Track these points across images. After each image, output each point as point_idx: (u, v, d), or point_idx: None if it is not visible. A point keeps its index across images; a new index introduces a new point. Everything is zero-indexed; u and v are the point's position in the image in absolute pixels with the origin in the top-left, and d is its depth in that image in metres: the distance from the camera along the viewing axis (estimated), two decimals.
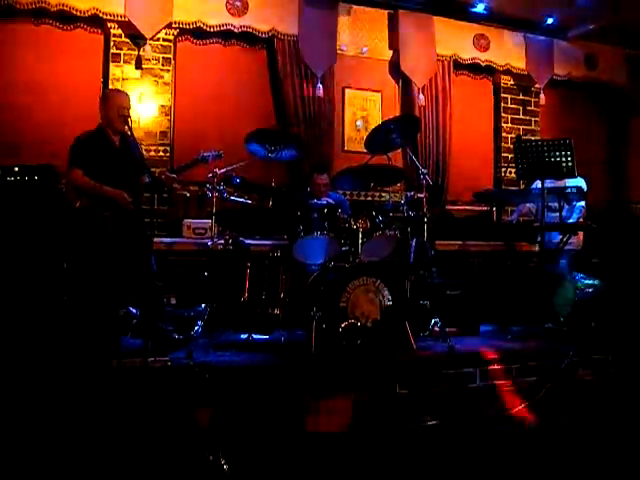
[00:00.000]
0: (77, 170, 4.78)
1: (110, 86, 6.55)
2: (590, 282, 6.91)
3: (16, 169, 4.81)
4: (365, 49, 7.67)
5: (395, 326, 5.20)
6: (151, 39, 6.61)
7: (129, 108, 5.02)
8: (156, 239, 5.53)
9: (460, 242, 7.71)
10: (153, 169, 5.94)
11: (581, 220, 6.38)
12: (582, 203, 6.33)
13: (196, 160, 5.30)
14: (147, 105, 6.69)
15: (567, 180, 6.02)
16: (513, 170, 6.53)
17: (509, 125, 8.43)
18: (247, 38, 7.15)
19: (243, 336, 5.43)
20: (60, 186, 5.10)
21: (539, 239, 6.02)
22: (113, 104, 4.93)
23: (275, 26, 7.05)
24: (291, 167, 7.08)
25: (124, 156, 4.93)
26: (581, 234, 6.43)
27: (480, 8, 7.82)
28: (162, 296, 5.34)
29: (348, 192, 7.24)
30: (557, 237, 6.12)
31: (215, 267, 5.74)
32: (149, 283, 4.91)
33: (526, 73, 8.30)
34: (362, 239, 5.40)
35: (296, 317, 5.42)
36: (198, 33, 6.95)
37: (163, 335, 4.81)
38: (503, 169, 8.17)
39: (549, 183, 5.90)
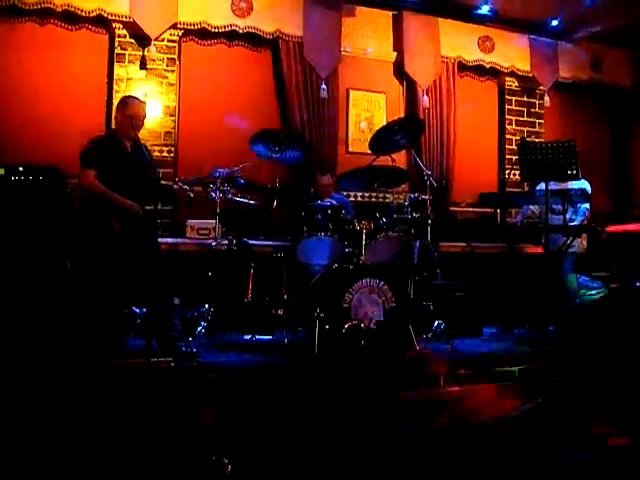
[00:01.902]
0: (90, 171, 4.74)
1: (115, 86, 6.56)
2: (594, 285, 6.91)
3: (21, 169, 4.82)
4: (369, 50, 7.67)
5: (398, 327, 5.20)
6: (156, 39, 6.61)
7: (144, 117, 5.06)
8: (160, 239, 5.53)
9: (464, 244, 7.71)
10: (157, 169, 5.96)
11: (585, 222, 6.36)
12: (586, 205, 6.32)
13: (210, 176, 5.30)
14: (152, 105, 6.66)
15: (570, 182, 6.02)
16: (517, 172, 6.53)
17: (513, 127, 8.43)
18: (252, 39, 7.15)
19: (246, 337, 5.44)
20: (65, 186, 5.11)
21: (543, 241, 6.01)
22: (129, 111, 4.90)
23: (280, 27, 7.06)
24: (295, 168, 7.08)
25: (135, 162, 4.89)
26: (585, 237, 6.40)
27: (485, 10, 7.81)
28: (171, 302, 5.35)
29: (352, 193, 7.24)
30: (561, 239, 6.11)
31: (218, 267, 5.74)
32: (157, 286, 4.92)
33: (531, 75, 8.28)
34: (366, 240, 5.41)
35: (299, 318, 5.43)
36: (203, 34, 6.95)
37: (170, 345, 4.80)
38: (507, 171, 8.16)
39: (552, 185, 5.90)
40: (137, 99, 5.17)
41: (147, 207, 4.86)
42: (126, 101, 5.11)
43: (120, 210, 4.76)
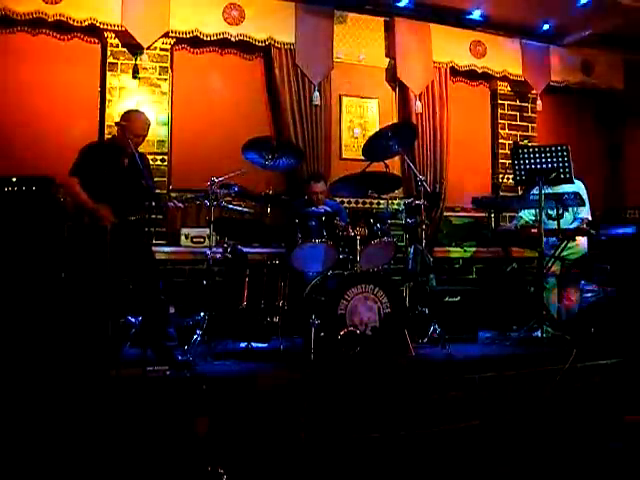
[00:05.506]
0: (74, 179, 4.81)
1: (107, 95, 6.56)
2: (590, 288, 6.92)
3: (14, 179, 4.81)
4: (362, 56, 7.68)
5: (394, 333, 5.20)
6: (148, 48, 6.61)
7: (146, 135, 5.06)
8: (154, 248, 5.53)
9: (458, 249, 7.73)
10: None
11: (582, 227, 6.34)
12: (584, 214, 6.29)
13: (206, 195, 5.29)
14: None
15: (563, 186, 6.03)
16: (511, 176, 6.54)
17: (506, 131, 8.44)
18: (244, 47, 7.15)
19: (242, 344, 5.43)
20: (58, 196, 5.10)
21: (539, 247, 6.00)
22: (130, 126, 4.89)
23: (272, 35, 7.07)
24: (289, 175, 7.08)
25: (129, 176, 4.87)
26: (583, 241, 6.39)
27: (476, 15, 7.84)
28: (167, 310, 5.35)
29: (346, 200, 7.24)
30: (555, 244, 6.12)
31: (213, 275, 5.74)
32: (153, 295, 4.91)
33: (523, 79, 8.30)
34: (360, 246, 5.41)
35: (295, 325, 5.42)
36: (195, 42, 6.95)
37: (166, 354, 4.79)
38: (500, 175, 8.19)
39: (546, 190, 5.92)
40: (141, 115, 5.11)
41: (132, 217, 4.84)
42: (131, 117, 5.05)
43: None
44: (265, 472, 3.56)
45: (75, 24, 6.36)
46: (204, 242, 6.39)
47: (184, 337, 5.33)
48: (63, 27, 6.45)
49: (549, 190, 6.00)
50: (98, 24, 6.43)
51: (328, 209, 6.12)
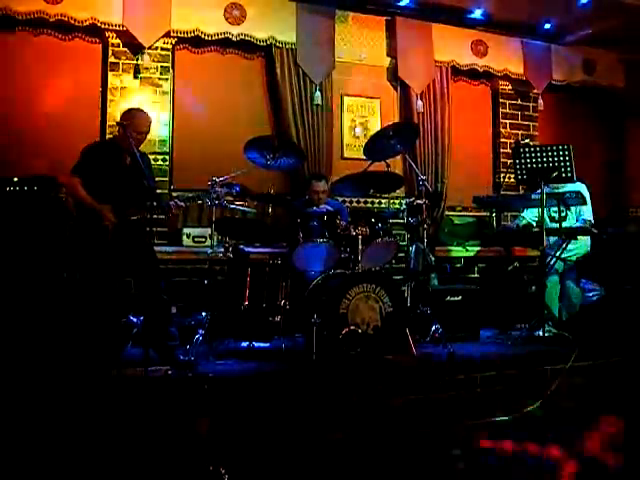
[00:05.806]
0: (75, 179, 4.80)
1: (109, 95, 6.56)
2: (592, 287, 6.92)
3: (15, 179, 4.82)
4: (363, 56, 7.68)
5: (396, 332, 5.20)
6: (149, 48, 6.61)
7: (147, 132, 5.06)
8: (156, 248, 5.53)
9: (460, 248, 7.73)
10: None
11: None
12: (587, 215, 6.29)
13: (208, 194, 5.29)
14: None
15: (566, 185, 6.03)
16: (512, 175, 6.53)
17: (508, 130, 8.44)
18: (245, 46, 7.16)
19: (244, 344, 5.43)
20: (60, 195, 5.11)
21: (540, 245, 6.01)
22: (133, 124, 4.90)
23: (273, 34, 7.07)
24: (290, 175, 7.08)
25: (131, 175, 4.88)
26: (586, 241, 6.38)
27: (477, 14, 7.84)
28: (169, 310, 5.35)
29: (347, 199, 7.24)
30: (558, 243, 6.12)
31: (215, 275, 5.73)
32: (154, 295, 4.92)
33: (524, 78, 8.30)
34: (362, 246, 5.40)
35: (297, 324, 5.43)
36: (196, 42, 6.96)
37: (168, 354, 4.79)
38: (502, 174, 8.18)
39: (548, 189, 5.93)
40: (143, 113, 5.12)
41: (133, 217, 4.84)
42: (132, 114, 5.06)
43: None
44: (266, 472, 3.55)
45: (76, 24, 6.36)
46: (206, 242, 6.39)
47: (186, 337, 5.32)
48: (64, 27, 6.45)
49: (551, 190, 6.00)
50: (99, 24, 6.43)
51: (329, 208, 6.12)
